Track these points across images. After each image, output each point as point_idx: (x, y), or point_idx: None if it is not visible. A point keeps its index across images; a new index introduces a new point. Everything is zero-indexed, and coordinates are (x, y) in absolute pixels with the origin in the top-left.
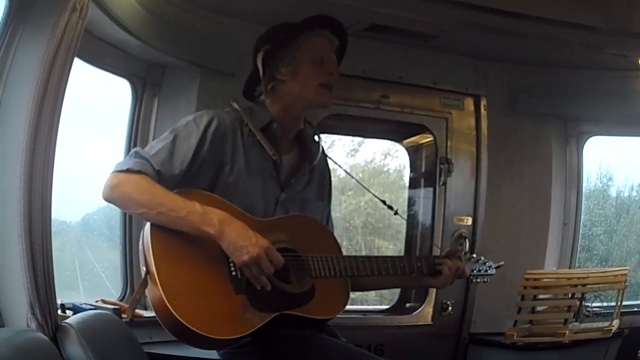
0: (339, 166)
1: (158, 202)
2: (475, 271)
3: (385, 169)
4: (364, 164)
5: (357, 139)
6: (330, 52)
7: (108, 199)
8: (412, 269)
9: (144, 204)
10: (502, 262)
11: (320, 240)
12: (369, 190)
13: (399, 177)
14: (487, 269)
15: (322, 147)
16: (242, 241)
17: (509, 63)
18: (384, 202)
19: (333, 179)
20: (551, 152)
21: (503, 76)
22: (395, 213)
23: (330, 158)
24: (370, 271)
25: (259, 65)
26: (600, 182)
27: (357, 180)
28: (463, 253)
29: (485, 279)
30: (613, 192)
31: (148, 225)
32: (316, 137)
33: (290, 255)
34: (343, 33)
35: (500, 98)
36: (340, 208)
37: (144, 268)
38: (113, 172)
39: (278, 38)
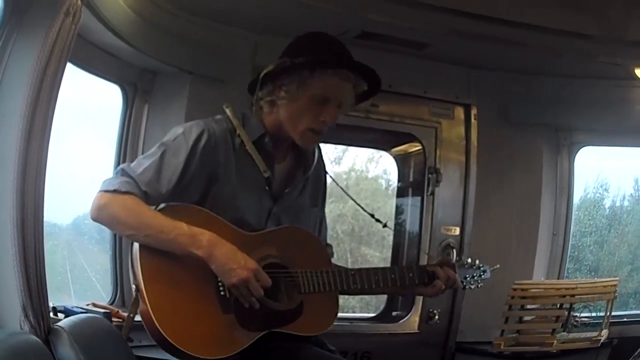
0: (329, 176)
1: (146, 224)
2: (469, 277)
3: (370, 175)
4: (348, 170)
5: (341, 146)
6: (340, 96)
7: (96, 219)
8: (404, 281)
9: (132, 226)
10: (498, 265)
11: (310, 253)
12: (357, 203)
13: (385, 183)
14: (482, 273)
15: (320, 152)
16: (231, 264)
17: (500, 72)
18: (372, 215)
19: None
20: (542, 162)
21: (494, 85)
22: (384, 226)
23: (323, 162)
24: (360, 284)
25: (263, 72)
26: (596, 193)
27: (344, 191)
28: (457, 259)
29: (479, 284)
30: (607, 202)
31: (137, 244)
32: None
33: (280, 271)
34: (375, 79)
35: (491, 107)
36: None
37: (134, 285)
38: (100, 191)
39: (296, 61)
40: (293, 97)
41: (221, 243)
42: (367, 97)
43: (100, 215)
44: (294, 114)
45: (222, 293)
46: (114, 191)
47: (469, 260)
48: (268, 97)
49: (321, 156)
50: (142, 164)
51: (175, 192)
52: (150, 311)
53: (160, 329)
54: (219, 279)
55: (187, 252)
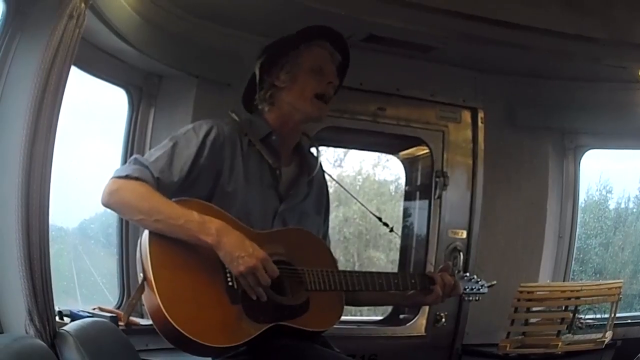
0: (333, 179)
1: (156, 209)
2: (467, 289)
3: (376, 178)
4: (358, 176)
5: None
6: (330, 64)
7: (106, 204)
8: (406, 286)
9: (142, 210)
10: (495, 282)
11: (317, 254)
12: (364, 205)
13: (394, 187)
14: (480, 287)
15: (320, 161)
16: (239, 251)
17: (507, 75)
18: (379, 219)
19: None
20: (548, 165)
21: (501, 88)
22: (391, 230)
23: (325, 172)
24: (364, 286)
25: (257, 72)
26: (600, 195)
27: (351, 195)
28: (456, 271)
29: (477, 298)
30: (612, 204)
31: (146, 232)
32: (314, 150)
33: (286, 267)
34: (345, 49)
35: (498, 111)
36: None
37: (142, 275)
38: (112, 178)
39: (279, 46)
40: (293, 76)
41: (230, 231)
42: (344, 72)
43: (110, 200)
44: (299, 89)
45: (230, 284)
46: (126, 176)
47: (468, 274)
48: (268, 91)
49: (322, 167)
50: (153, 154)
51: (184, 185)
52: (157, 297)
53: (167, 314)
54: (227, 270)
55: (196, 238)
